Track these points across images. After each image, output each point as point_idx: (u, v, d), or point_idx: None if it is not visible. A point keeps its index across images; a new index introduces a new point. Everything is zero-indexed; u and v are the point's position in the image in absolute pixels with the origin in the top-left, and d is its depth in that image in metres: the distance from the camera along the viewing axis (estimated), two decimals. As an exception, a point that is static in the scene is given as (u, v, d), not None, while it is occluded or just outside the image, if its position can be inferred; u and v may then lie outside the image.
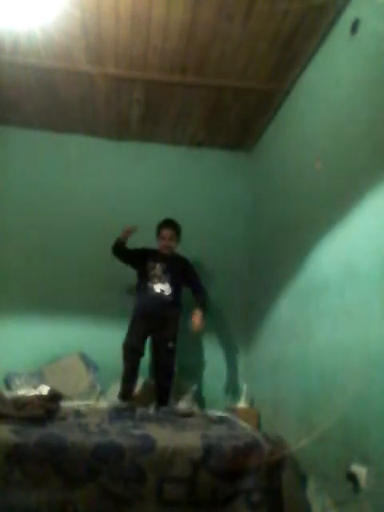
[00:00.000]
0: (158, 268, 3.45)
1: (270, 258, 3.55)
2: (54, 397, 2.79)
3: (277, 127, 3.63)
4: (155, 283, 3.40)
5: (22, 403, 2.51)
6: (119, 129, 4.00)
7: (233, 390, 3.80)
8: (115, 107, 3.66)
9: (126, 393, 3.15)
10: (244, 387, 3.67)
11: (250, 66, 3.08)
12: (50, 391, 2.85)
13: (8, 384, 3.37)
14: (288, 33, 2.76)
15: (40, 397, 2.68)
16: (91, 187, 4.08)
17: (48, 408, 2.56)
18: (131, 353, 3.23)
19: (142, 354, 3.27)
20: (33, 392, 2.85)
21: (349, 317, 2.18)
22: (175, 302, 3.42)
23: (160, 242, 3.56)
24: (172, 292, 3.40)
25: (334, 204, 2.45)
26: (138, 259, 3.51)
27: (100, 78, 3.24)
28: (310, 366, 2.61)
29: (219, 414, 3.06)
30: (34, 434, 2.15)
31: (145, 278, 3.44)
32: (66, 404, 2.87)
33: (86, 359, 3.63)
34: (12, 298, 3.76)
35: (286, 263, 3.13)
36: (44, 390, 2.89)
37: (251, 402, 3.60)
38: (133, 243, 3.48)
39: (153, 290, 3.39)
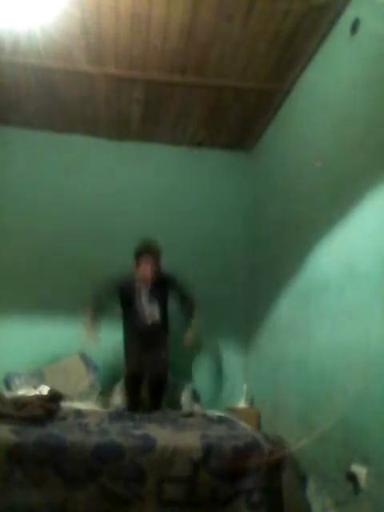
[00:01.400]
0: (144, 298, 3.30)
1: (270, 258, 3.54)
2: (54, 397, 2.79)
3: (277, 127, 3.63)
4: (144, 310, 3.29)
5: (21, 403, 2.51)
6: (119, 129, 4.00)
7: (233, 389, 3.80)
8: (115, 107, 3.66)
9: (132, 405, 3.16)
10: (244, 387, 3.67)
11: (250, 66, 3.08)
12: (50, 391, 2.85)
13: (8, 384, 3.37)
14: (288, 33, 2.76)
15: (40, 397, 2.68)
16: (91, 187, 4.07)
17: (48, 408, 2.56)
18: (133, 379, 3.22)
19: (142, 376, 3.24)
20: (33, 392, 2.85)
21: (349, 317, 2.18)
22: (164, 323, 3.34)
23: (140, 272, 3.26)
24: (160, 315, 3.30)
25: (333, 204, 2.45)
26: (120, 298, 3.37)
27: (100, 77, 3.24)
28: (310, 366, 2.61)
29: (219, 413, 3.06)
30: (34, 434, 2.15)
31: (129, 308, 3.33)
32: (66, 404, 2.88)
33: (86, 359, 3.63)
34: (12, 298, 3.76)
35: (286, 263, 3.13)
36: (44, 390, 2.89)
37: (251, 402, 3.60)
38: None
39: (142, 315, 3.28)
